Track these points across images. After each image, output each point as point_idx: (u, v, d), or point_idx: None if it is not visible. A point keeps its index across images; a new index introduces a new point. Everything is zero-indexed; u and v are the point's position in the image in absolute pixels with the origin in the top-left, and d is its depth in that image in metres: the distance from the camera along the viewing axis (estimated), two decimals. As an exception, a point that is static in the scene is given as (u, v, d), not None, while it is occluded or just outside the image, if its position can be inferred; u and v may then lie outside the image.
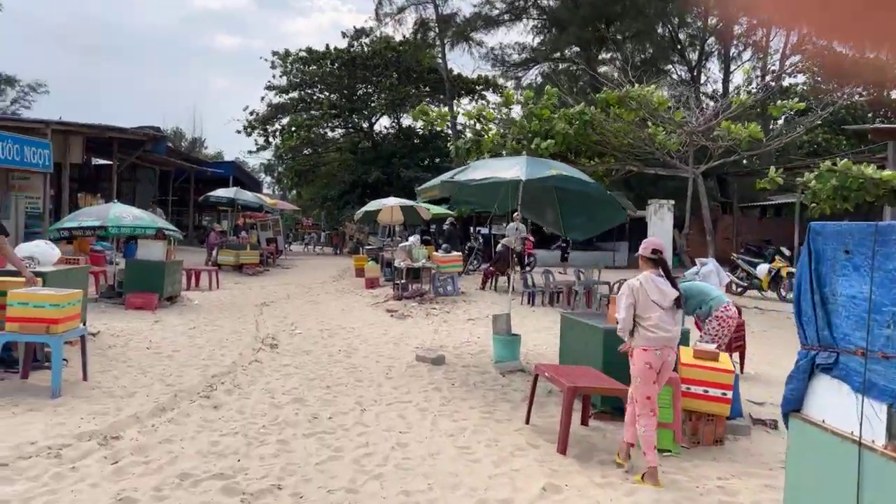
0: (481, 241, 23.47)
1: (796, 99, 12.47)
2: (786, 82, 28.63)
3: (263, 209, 23.63)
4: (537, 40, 32.42)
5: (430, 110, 14.12)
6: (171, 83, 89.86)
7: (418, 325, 10.54)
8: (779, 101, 11.77)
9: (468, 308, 12.38)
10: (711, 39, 31.78)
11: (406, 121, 41.38)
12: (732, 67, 29.53)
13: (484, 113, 13.52)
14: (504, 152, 13.31)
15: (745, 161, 13.81)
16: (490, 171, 6.78)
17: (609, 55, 28.75)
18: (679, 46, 29.94)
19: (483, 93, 37.03)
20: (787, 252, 13.51)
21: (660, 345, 4.64)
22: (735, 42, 30.35)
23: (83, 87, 77.53)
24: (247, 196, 21.90)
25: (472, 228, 30.67)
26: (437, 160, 38.56)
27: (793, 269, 13.36)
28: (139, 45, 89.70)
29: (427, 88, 38.59)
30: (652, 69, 25.13)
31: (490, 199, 8.11)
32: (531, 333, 9.84)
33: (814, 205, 11.68)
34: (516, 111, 14.98)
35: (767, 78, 15.89)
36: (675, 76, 28.06)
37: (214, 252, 19.97)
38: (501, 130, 13.48)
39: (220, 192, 21.96)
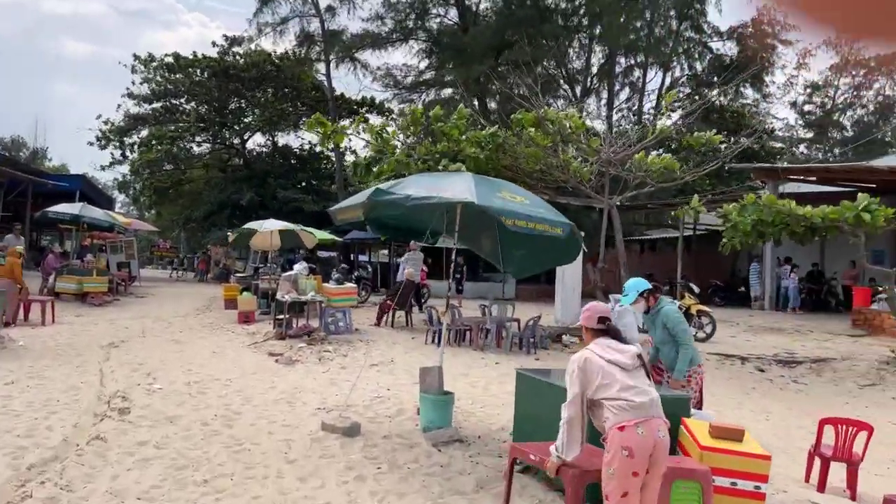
0: (370, 269, 21.90)
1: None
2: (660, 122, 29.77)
3: (115, 229, 20.52)
4: (423, 63, 31.57)
5: (325, 121, 12.40)
6: (12, 90, 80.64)
7: (312, 374, 8.74)
8: (695, 133, 11.36)
9: (367, 349, 10.71)
10: (593, 78, 32.54)
11: (282, 139, 39.04)
12: (615, 104, 30.27)
13: (388, 129, 12.08)
14: (407, 173, 11.89)
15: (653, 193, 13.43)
16: (431, 189, 5.31)
17: (495, 87, 28.41)
18: (564, 81, 30.28)
19: (366, 115, 35.65)
20: (695, 289, 13.09)
21: (641, 416, 3.46)
22: (617, 80, 31.23)
23: None
24: (95, 213, 18.83)
25: (352, 256, 28.90)
26: (315, 182, 36.49)
27: (703, 308, 12.96)
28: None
29: (305, 108, 36.56)
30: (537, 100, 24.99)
31: (420, 223, 6.63)
32: (447, 382, 8.38)
33: (724, 240, 11.25)
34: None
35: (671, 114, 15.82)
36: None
37: (52, 278, 16.80)
38: (405, 150, 12.06)
39: (63, 208, 18.72)
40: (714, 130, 12.06)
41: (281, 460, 5.02)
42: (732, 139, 12.76)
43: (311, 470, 4.81)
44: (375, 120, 36.72)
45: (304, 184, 35.40)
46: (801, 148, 45.29)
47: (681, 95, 11.08)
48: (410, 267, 14.32)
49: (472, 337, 11.75)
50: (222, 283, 26.83)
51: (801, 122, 46.02)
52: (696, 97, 27.74)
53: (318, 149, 38.64)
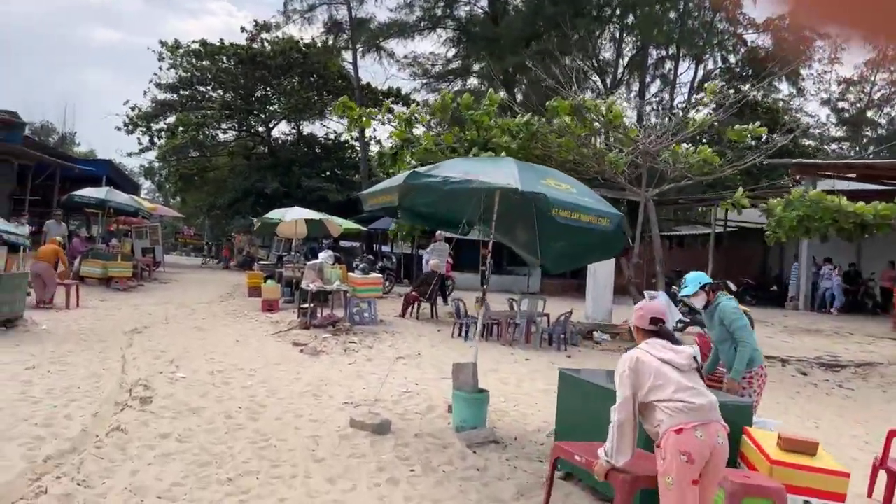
0: (394, 259, 21.61)
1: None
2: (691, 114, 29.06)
3: (140, 214, 20.47)
4: (451, 53, 31.13)
5: (353, 104, 12.09)
6: (44, 76, 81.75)
7: (337, 366, 8.48)
8: (736, 126, 10.88)
9: (393, 342, 10.43)
10: (624, 69, 31.86)
11: (307, 128, 38.92)
12: (646, 96, 29.61)
13: (416, 116, 11.73)
14: (433, 162, 11.56)
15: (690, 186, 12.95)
16: (471, 174, 4.98)
17: (523, 77, 27.88)
18: (594, 72, 29.67)
19: (392, 105, 35.32)
20: (732, 286, 12.59)
21: (700, 419, 3.16)
22: (648, 72, 30.55)
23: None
24: (121, 198, 18.75)
25: (375, 246, 28.66)
26: (340, 171, 36.31)
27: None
28: (9, 35, 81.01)
29: (330, 96, 36.34)
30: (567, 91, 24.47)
31: (455, 211, 6.29)
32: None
33: (769, 233, 10.80)
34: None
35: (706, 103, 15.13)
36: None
37: (77, 261, 16.78)
38: (433, 138, 11.71)
39: (89, 192, 18.66)
40: (758, 123, 11.53)
41: (308, 459, 4.74)
42: (765, 136, 12.15)
43: (341, 471, 4.53)
44: (401, 110, 36.56)
45: (328, 173, 35.22)
46: (833, 146, 44.09)
47: (716, 88, 10.59)
48: (436, 258, 14.00)
49: (501, 331, 11.41)
50: (245, 271, 26.85)
51: (832, 119, 44.78)
52: (731, 90, 27.06)
53: (343, 137, 38.45)
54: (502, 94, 11.32)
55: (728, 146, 16.03)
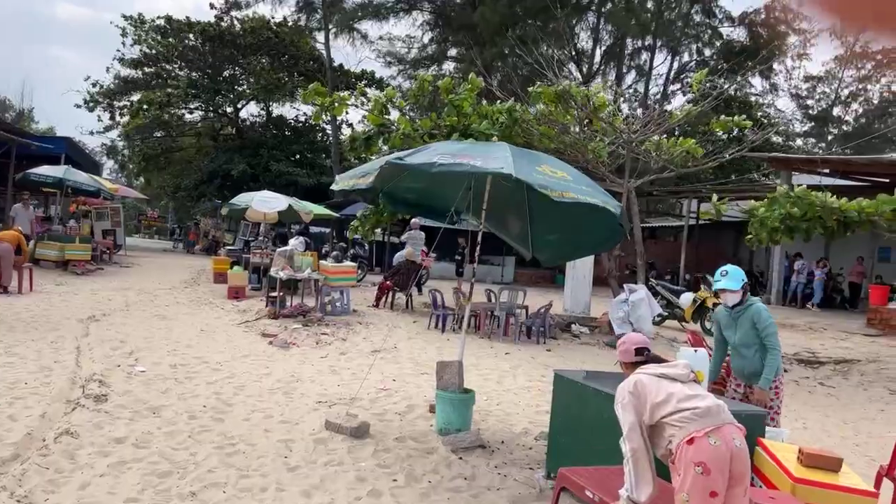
0: (366, 247, 21.07)
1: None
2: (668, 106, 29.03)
3: (101, 195, 19.60)
4: (427, 37, 30.53)
5: (324, 90, 11.54)
6: (4, 52, 78.45)
7: (309, 360, 8.04)
8: (722, 116, 10.65)
9: (367, 334, 10.01)
10: (600, 59, 31.68)
11: (277, 109, 37.96)
12: (623, 86, 29.47)
13: (393, 100, 11.23)
14: (410, 148, 11.13)
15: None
16: (461, 157, 4.57)
17: (507, 62, 27.40)
18: (571, 61, 29.40)
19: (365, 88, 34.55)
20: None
21: (710, 423, 2.90)
22: (624, 63, 30.40)
23: None
24: (80, 177, 17.91)
25: (345, 232, 28.05)
26: (310, 154, 35.50)
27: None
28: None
29: (301, 78, 35.46)
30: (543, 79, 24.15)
31: (441, 199, 5.90)
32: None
33: (749, 235, 10.60)
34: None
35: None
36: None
37: (32, 243, 15.94)
38: (409, 124, 11.24)
39: (46, 170, 17.79)
40: (744, 116, 11.33)
41: (281, 467, 4.32)
42: (747, 129, 11.95)
43: (317, 481, 4.12)
44: (376, 94, 35.87)
45: (297, 156, 34.39)
46: (798, 141, 44.68)
47: (702, 78, 10.27)
48: (410, 246, 13.59)
49: (479, 323, 11.08)
50: (211, 256, 26.05)
51: (797, 114, 45.35)
52: (707, 83, 27.08)
53: (313, 121, 37.60)
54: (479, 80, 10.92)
55: (705, 139, 15.90)
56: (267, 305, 11.42)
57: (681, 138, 11.44)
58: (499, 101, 11.09)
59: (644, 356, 3.32)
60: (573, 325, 11.60)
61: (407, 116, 11.35)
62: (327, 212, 17.97)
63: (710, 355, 5.34)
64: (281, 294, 11.18)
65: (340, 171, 33.27)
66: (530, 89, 10.85)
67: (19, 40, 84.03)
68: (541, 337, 10.54)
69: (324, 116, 12.61)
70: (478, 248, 5.77)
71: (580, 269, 12.08)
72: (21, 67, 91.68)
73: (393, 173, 4.65)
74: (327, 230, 27.11)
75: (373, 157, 11.86)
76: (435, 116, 11.24)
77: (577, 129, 11.48)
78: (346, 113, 33.35)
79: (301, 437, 4.93)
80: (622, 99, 29.74)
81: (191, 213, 40.53)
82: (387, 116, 11.23)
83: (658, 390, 3.03)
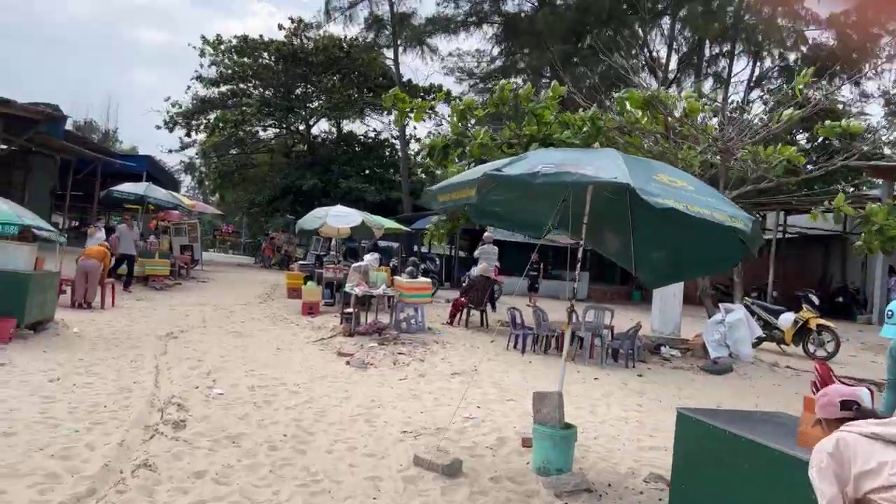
0: (437, 262, 20.79)
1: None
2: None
3: (179, 210, 20.05)
4: (497, 50, 30.20)
5: (405, 97, 11.27)
6: (91, 76, 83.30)
7: (388, 382, 7.66)
8: (827, 122, 9.76)
9: (445, 354, 9.58)
10: (674, 65, 30.55)
11: (347, 126, 38.45)
12: (707, 91, 28.26)
13: (472, 107, 10.86)
14: (490, 158, 10.69)
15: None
16: (566, 165, 4.09)
17: (576, 71, 26.74)
18: (645, 69, 28.42)
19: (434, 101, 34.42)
20: (815, 300, 11.46)
21: None
22: (702, 70, 29.20)
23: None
24: (159, 194, 18.35)
25: (414, 247, 27.87)
26: (379, 170, 35.71)
27: (823, 322, 11.33)
28: (60, 34, 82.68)
29: (371, 94, 35.80)
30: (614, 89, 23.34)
31: (531, 212, 5.43)
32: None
33: (858, 243, 9.65)
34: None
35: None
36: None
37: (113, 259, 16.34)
38: (488, 133, 10.82)
39: (128, 187, 18.33)
40: (853, 120, 10.38)
41: (370, 510, 3.91)
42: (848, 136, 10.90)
43: (411, 529, 3.68)
44: (444, 109, 35.75)
45: (367, 172, 34.66)
46: (886, 150, 41.80)
47: (807, 80, 9.37)
48: (484, 261, 13.13)
49: (561, 344, 10.48)
50: (283, 271, 26.31)
51: (883, 121, 42.45)
52: (789, 91, 25.63)
53: (382, 136, 37.87)
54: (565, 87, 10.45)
55: (798, 147, 14.80)
56: (342, 322, 11.17)
57: (780, 146, 10.57)
58: (581, 109, 10.52)
59: (853, 411, 2.68)
60: (663, 348, 10.84)
61: (487, 126, 10.90)
62: (398, 226, 17.74)
63: (871, 393, 4.61)
64: (356, 310, 10.91)
65: (409, 184, 33.39)
66: (615, 95, 10.26)
67: (103, 63, 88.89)
68: (629, 360, 9.86)
69: (402, 125, 12.30)
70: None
71: (670, 287, 11.30)
72: (104, 91, 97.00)
73: (490, 184, 4.21)
74: (395, 244, 27.02)
75: (450, 168, 11.47)
76: (514, 126, 10.77)
77: (666, 138, 10.77)
78: (415, 127, 33.39)
79: (389, 475, 4.51)
80: (706, 105, 28.60)
81: (263, 228, 41.42)
82: (468, 123, 10.83)
83: (868, 456, 2.39)
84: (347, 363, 8.47)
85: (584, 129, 9.92)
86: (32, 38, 79.19)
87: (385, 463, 4.77)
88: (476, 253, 14.72)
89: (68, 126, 31.64)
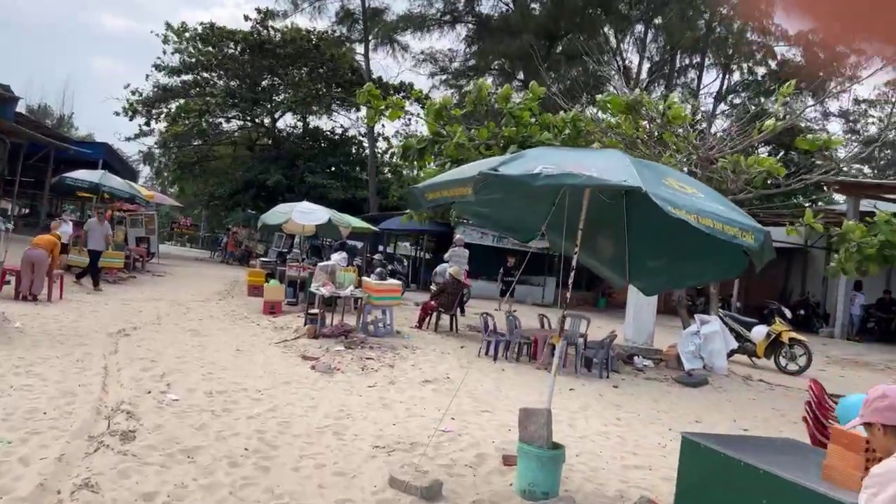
0: (405, 263, 20.33)
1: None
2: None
3: (136, 201, 19.18)
4: (471, 49, 29.90)
5: (378, 94, 10.81)
6: (48, 61, 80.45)
7: (356, 389, 7.23)
8: (808, 135, 9.69)
9: (415, 360, 9.18)
10: (644, 74, 30.72)
11: (314, 121, 37.70)
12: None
13: (449, 107, 10.48)
14: (467, 159, 10.34)
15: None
16: (571, 166, 3.75)
17: (549, 76, 26.62)
18: (619, 74, 28.50)
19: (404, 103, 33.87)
20: (788, 313, 11.42)
21: None
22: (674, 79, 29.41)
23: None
24: (115, 182, 17.48)
25: (379, 247, 27.35)
26: (345, 167, 35.08)
27: (796, 335, 11.29)
28: (15, 17, 79.51)
29: (339, 90, 35.16)
30: (594, 93, 23.27)
31: (517, 211, 5.09)
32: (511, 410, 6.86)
33: (833, 264, 9.57)
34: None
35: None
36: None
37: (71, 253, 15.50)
38: (464, 133, 10.46)
39: (82, 174, 17.42)
40: (834, 134, 10.36)
41: (343, 542, 3.49)
42: (831, 150, 10.91)
43: (391, 565, 3.28)
44: (412, 109, 35.25)
45: (333, 168, 34.00)
46: (843, 167, 42.96)
47: (790, 91, 9.27)
48: (455, 264, 12.78)
49: (534, 352, 10.19)
50: (244, 266, 25.52)
51: (844, 138, 43.64)
52: (755, 104, 25.95)
53: (350, 132, 37.24)
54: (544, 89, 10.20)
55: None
56: (306, 323, 10.66)
57: (758, 156, 10.47)
58: (562, 112, 10.25)
59: None
60: (636, 358, 10.64)
61: (462, 126, 10.54)
62: (365, 225, 17.24)
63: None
64: (321, 312, 10.42)
65: (376, 183, 32.84)
66: (598, 98, 10.02)
67: (62, 49, 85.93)
68: (603, 370, 9.60)
69: (375, 123, 11.85)
70: (571, 274, 4.93)
71: (644, 296, 11.11)
72: (62, 76, 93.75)
73: (487, 182, 3.85)
74: (360, 244, 26.49)
75: (424, 170, 11.07)
76: (493, 126, 10.44)
77: (647, 144, 10.58)
78: (383, 126, 32.87)
79: (362, 497, 4.10)
80: (687, 113, 28.84)
81: (223, 222, 40.34)
82: (443, 123, 10.44)
83: None
84: (313, 368, 8.01)
85: (566, 130, 9.64)
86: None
87: (357, 483, 4.35)
88: (447, 255, 14.36)
89: (20, 108, 30.29)
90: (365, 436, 5.46)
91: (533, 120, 10.59)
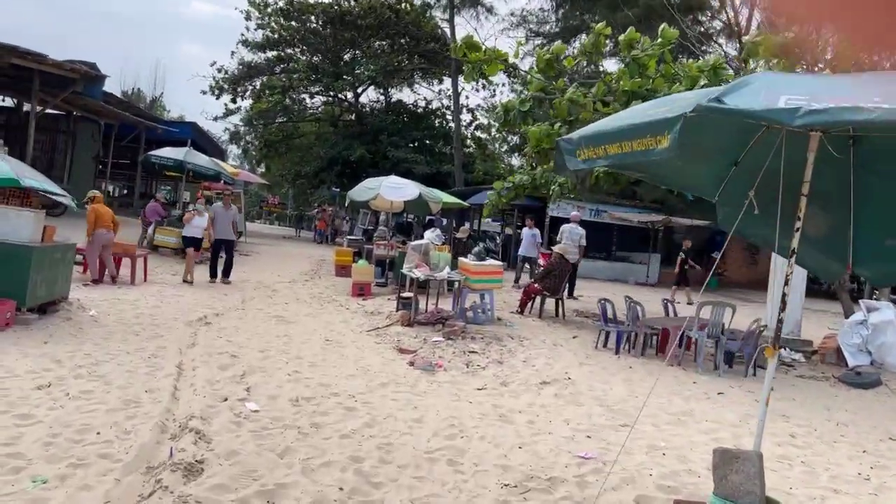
0: (498, 240, 19.03)
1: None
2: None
3: (222, 179, 18.78)
4: (561, 11, 27.91)
5: (478, 44, 9.47)
6: (139, 47, 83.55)
7: (464, 393, 6.07)
8: None
9: (525, 353, 7.95)
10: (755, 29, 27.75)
11: (396, 94, 36.81)
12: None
13: (562, 56, 9.05)
14: (580, 118, 8.90)
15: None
16: (831, 94, 2.36)
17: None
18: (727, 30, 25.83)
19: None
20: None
21: None
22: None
23: (40, 42, 70.13)
24: (200, 160, 17.06)
25: (466, 223, 26.14)
26: (429, 141, 34.03)
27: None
28: (109, 8, 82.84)
29: (422, 61, 34.01)
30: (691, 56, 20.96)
31: (679, 171, 3.74)
32: (641, 418, 5.51)
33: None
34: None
35: None
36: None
37: (151, 229, 15.19)
38: (577, 89, 9.01)
39: (166, 152, 17.09)
40: None
41: None
42: None
43: None
44: (497, 79, 33.50)
45: (416, 143, 33.00)
46: None
47: None
48: (567, 242, 11.39)
49: (661, 344, 8.74)
50: (331, 245, 25.02)
51: None
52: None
53: (433, 105, 36.13)
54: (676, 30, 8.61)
55: None
56: (398, 309, 9.63)
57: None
58: (698, 59, 8.61)
59: None
60: (783, 351, 8.98)
61: (575, 84, 9.08)
62: (457, 200, 16.08)
63: None
64: (415, 296, 9.34)
65: (462, 156, 31.60)
66: (746, 39, 8.32)
67: (154, 37, 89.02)
68: (749, 367, 8.05)
69: (473, 80, 10.59)
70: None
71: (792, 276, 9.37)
72: (153, 62, 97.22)
73: (695, 125, 2.53)
74: (444, 221, 25.38)
75: (530, 131, 9.66)
76: (610, 79, 8.93)
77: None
78: (468, 97, 31.40)
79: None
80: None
81: (309, 199, 40.27)
82: (554, 80, 9.02)
83: None
84: (411, 364, 6.91)
85: (702, 82, 8.02)
86: (80, 11, 79.54)
87: (491, 548, 3.17)
88: (563, 231, 12.92)
89: (118, 94, 30.87)
90: (486, 465, 4.27)
91: (656, 71, 8.98)
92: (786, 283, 3.42)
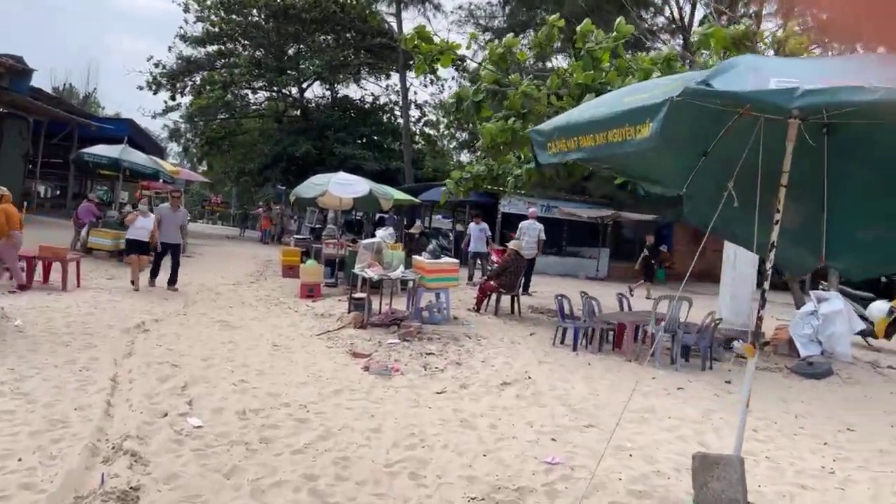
0: (451, 237, 18.81)
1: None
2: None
3: (161, 178, 17.97)
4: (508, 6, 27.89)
5: (430, 35, 9.18)
6: (71, 41, 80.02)
7: (423, 398, 5.80)
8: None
9: (483, 353, 7.74)
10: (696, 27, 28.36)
11: (343, 90, 36.19)
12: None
13: (515, 49, 8.85)
14: (533, 111, 8.74)
15: None
16: (824, 76, 2.20)
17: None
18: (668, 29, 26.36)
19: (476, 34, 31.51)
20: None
21: None
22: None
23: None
24: (137, 158, 16.25)
25: (416, 220, 25.85)
26: (377, 137, 33.56)
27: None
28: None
29: (368, 55, 33.53)
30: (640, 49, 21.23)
31: (643, 162, 3.59)
32: (608, 414, 5.38)
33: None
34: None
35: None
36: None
37: (85, 231, 14.37)
38: (531, 82, 8.85)
39: (101, 150, 16.21)
40: None
41: None
42: None
43: None
44: (445, 73, 33.31)
45: (364, 139, 32.48)
46: None
47: None
48: (525, 236, 11.26)
49: (618, 339, 8.67)
50: (277, 245, 24.34)
51: None
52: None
53: (380, 100, 35.68)
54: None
55: None
56: (351, 310, 9.29)
57: None
58: (651, 51, 8.55)
59: None
60: (735, 343, 9.04)
61: (529, 77, 8.92)
62: (408, 197, 15.78)
63: None
64: (368, 296, 9.01)
65: (411, 152, 31.28)
66: (695, 31, 8.31)
67: (86, 31, 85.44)
68: (705, 360, 8.06)
69: (422, 74, 10.29)
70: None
71: (742, 266, 9.48)
72: (86, 57, 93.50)
73: (677, 111, 2.34)
74: (395, 218, 25.04)
75: (484, 124, 9.47)
76: (563, 72, 8.79)
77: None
78: (415, 93, 31.11)
79: None
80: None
81: (254, 198, 39.30)
82: (507, 73, 8.83)
83: None
84: (366, 368, 6.61)
85: (655, 75, 7.96)
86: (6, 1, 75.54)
87: (461, 572, 2.93)
88: (521, 228, 12.80)
89: (48, 89, 29.29)
90: (451, 477, 4.03)
91: (609, 65, 8.90)
92: (766, 279, 3.27)
